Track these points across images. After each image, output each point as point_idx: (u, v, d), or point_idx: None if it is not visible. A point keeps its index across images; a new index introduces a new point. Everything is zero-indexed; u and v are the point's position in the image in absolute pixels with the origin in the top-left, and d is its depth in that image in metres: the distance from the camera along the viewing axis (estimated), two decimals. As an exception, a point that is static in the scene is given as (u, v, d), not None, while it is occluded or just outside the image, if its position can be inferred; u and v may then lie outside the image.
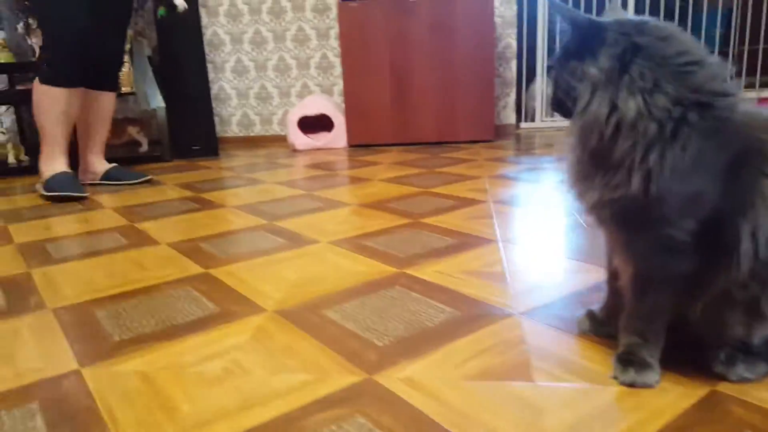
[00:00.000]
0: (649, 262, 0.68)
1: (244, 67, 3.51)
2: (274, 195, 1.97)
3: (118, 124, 3.16)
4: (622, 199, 0.66)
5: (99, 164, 2.33)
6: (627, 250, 0.71)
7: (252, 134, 3.60)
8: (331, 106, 3.12)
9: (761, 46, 3.48)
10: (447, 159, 2.54)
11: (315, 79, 3.46)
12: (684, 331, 0.73)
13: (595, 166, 0.69)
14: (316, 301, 1.02)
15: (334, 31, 3.37)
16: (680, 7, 3.50)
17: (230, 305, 1.02)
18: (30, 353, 0.87)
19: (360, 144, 3.14)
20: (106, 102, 2.29)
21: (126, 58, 2.96)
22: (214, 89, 3.48)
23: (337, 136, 3.12)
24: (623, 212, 0.67)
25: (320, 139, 3.16)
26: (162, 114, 2.90)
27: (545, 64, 3.33)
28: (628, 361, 0.72)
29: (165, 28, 2.94)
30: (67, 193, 2.01)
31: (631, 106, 0.63)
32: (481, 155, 2.59)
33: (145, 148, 3.10)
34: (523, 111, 3.56)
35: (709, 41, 3.63)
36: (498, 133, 3.15)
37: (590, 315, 0.85)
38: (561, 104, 0.72)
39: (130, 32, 2.94)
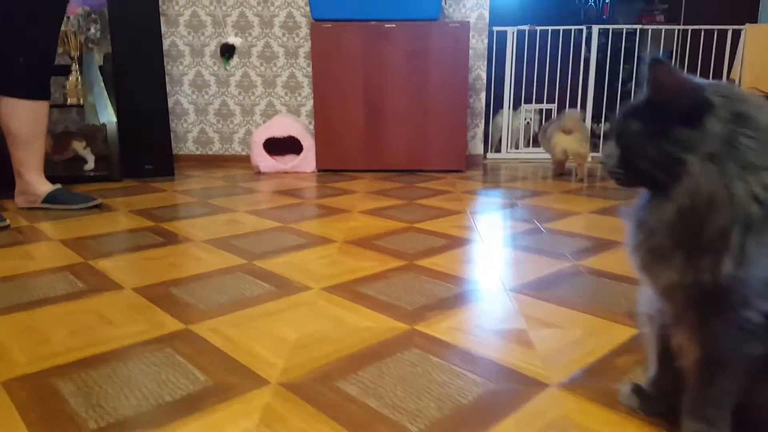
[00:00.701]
0: (721, 345, 0.62)
1: (204, 81, 3.32)
2: (246, 227, 1.81)
3: (60, 138, 2.89)
4: (703, 283, 0.59)
5: (39, 184, 2.06)
6: (698, 332, 0.64)
7: (210, 153, 3.40)
8: (299, 127, 2.98)
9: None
10: (423, 190, 2.46)
11: (282, 98, 3.32)
12: (746, 413, 0.66)
13: (677, 246, 0.60)
14: (326, 369, 0.88)
15: (303, 50, 3.24)
16: (626, 48, 3.63)
17: (225, 376, 0.87)
18: (-23, 447, 0.69)
19: (329, 169, 3.01)
20: (36, 112, 1.98)
21: (74, 66, 2.73)
22: (170, 103, 3.26)
23: (306, 160, 2.98)
24: (701, 294, 0.60)
25: (287, 162, 3.00)
26: (113, 129, 2.67)
27: (511, 96, 3.33)
28: None
29: (119, 35, 2.72)
30: None
31: (738, 183, 0.56)
32: (456, 187, 2.52)
33: (91, 165, 2.84)
34: (490, 142, 3.55)
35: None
36: (467, 163, 3.11)
37: (638, 390, 0.77)
38: (640, 174, 0.62)
39: (80, 38, 2.70)
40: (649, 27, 3.41)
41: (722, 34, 3.23)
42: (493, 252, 1.51)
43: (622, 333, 1.00)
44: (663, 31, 3.47)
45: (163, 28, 3.20)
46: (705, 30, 3.23)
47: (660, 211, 0.61)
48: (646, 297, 0.80)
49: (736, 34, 3.16)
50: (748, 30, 3.05)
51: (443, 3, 3.01)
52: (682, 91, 0.58)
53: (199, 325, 1.05)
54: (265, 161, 2.95)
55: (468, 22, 2.80)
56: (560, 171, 2.84)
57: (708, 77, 3.10)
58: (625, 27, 3.35)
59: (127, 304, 1.16)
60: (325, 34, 2.85)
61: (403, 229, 1.76)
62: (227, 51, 2.12)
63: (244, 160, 3.33)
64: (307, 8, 3.17)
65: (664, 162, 0.59)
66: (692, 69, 3.30)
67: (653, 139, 0.59)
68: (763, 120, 0.57)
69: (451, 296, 1.20)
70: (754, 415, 0.66)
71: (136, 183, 2.67)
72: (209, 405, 0.78)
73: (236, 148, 3.39)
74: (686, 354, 0.67)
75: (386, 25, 2.82)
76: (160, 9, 3.06)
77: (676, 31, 3.38)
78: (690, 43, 3.36)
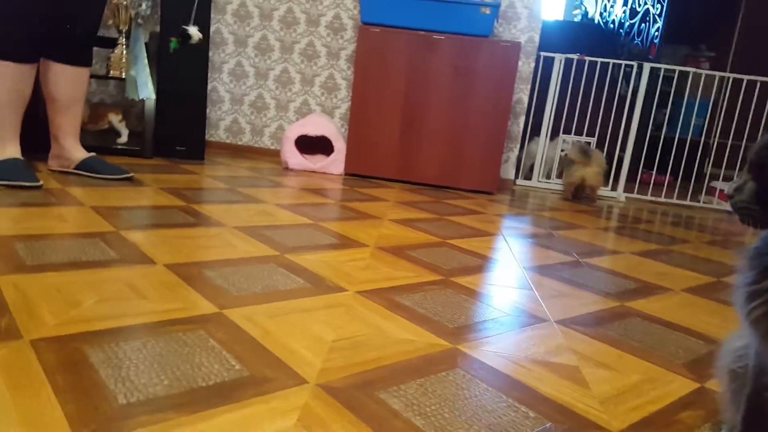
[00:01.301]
0: None
1: (244, 71, 3.30)
2: (277, 219, 1.76)
3: (96, 109, 2.88)
4: None
5: (75, 150, 2.04)
6: None
7: (240, 143, 3.37)
8: (333, 128, 2.94)
9: (734, 141, 3.57)
10: (454, 207, 2.40)
11: (318, 98, 3.29)
12: None
13: None
14: (367, 377, 0.83)
15: (345, 53, 3.22)
16: (663, 92, 3.58)
17: (261, 368, 0.81)
18: (6, 414, 0.64)
19: (357, 174, 2.97)
20: (77, 78, 1.99)
21: (121, 39, 2.71)
22: (207, 89, 3.24)
23: (335, 162, 2.94)
24: None
25: (316, 162, 2.96)
26: (150, 106, 2.65)
27: (551, 124, 3.28)
28: None
29: (168, 15, 2.71)
30: (18, 182, 1.73)
31: None
32: (487, 209, 2.46)
33: (124, 139, 2.81)
34: (521, 168, 3.49)
35: (689, 128, 3.73)
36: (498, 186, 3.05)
37: None
38: None
39: (131, 12, 2.70)
40: (702, 72, 3.35)
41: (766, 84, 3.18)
42: (532, 279, 1.45)
43: (683, 385, 0.94)
44: (702, 77, 3.42)
45: (211, 14, 3.19)
46: (752, 80, 3.17)
47: None
48: (732, 348, 0.73)
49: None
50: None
51: (495, 21, 2.98)
52: None
53: (233, 311, 1.00)
54: (294, 158, 2.91)
55: (519, 43, 2.76)
56: (573, 195, 3.13)
57: (753, 132, 3.02)
58: (678, 68, 3.30)
59: (159, 280, 1.10)
60: (372, 38, 2.83)
61: (437, 244, 1.70)
62: (181, 37, 2.06)
63: (272, 154, 3.29)
64: (355, 11, 3.16)
65: None
66: (737, 121, 3.23)
67: None
68: None
69: (493, 319, 1.14)
70: None
71: (166, 162, 2.64)
72: (245, 397, 0.73)
73: (266, 142, 3.36)
74: None
75: (435, 36, 2.79)
76: (211, -7, 3.06)
77: (717, 78, 3.33)
78: (734, 93, 3.31)
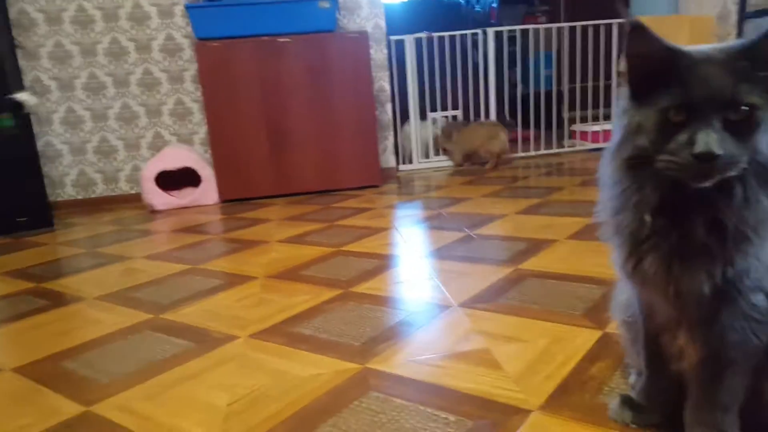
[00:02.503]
0: (728, 339, 0.56)
1: (78, 117, 2.97)
2: (147, 275, 1.58)
3: None
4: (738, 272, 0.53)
5: None
6: (701, 329, 0.57)
7: (93, 196, 3.04)
8: (194, 157, 2.74)
9: (582, 84, 3.85)
10: (342, 210, 2.33)
11: (170, 127, 3.04)
12: (750, 414, 0.60)
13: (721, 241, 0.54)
14: (273, 438, 0.73)
15: (189, 74, 3.01)
16: (511, 52, 3.76)
17: (144, 469, 0.68)
18: None
19: (234, 199, 2.79)
20: None
21: None
22: (40, 144, 2.89)
23: (206, 192, 2.74)
24: (721, 286, 0.54)
25: (185, 197, 2.74)
26: (-28, 180, 2.29)
27: (417, 106, 3.31)
28: None
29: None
30: None
31: None
32: (375, 203, 2.42)
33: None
34: (401, 154, 3.49)
35: (541, 81, 3.95)
36: (381, 177, 3.02)
37: (628, 402, 0.69)
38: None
39: None
40: (540, 26, 3.53)
41: (606, 28, 3.42)
42: (430, 267, 1.41)
43: (587, 338, 0.93)
44: (542, 31, 3.62)
45: (22, 62, 2.83)
46: (585, 26, 3.40)
47: (750, 202, 0.50)
48: (621, 302, 0.72)
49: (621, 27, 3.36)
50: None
51: (338, 14, 2.92)
52: None
53: (103, 405, 0.85)
54: (159, 197, 2.68)
55: (366, 32, 2.72)
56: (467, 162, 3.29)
57: (596, 72, 3.22)
58: (517, 27, 3.44)
59: (5, 390, 0.92)
60: (212, 53, 2.65)
61: (331, 255, 1.62)
62: (13, 109, 1.82)
63: (134, 200, 3.01)
64: (188, 28, 2.95)
65: None
66: (580, 65, 3.44)
67: None
68: None
69: (399, 322, 1.07)
70: (759, 414, 0.60)
71: (8, 240, 2.30)
72: None
73: (123, 187, 3.07)
74: (687, 357, 0.60)
75: (280, 40, 2.67)
76: (15, 41, 2.72)
77: (554, 30, 3.53)
78: (571, 40, 3.52)
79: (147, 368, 0.97)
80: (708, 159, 0.47)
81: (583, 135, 3.57)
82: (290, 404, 0.81)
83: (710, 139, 0.47)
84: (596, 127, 3.47)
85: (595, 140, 3.45)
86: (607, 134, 3.40)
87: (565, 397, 0.76)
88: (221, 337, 1.07)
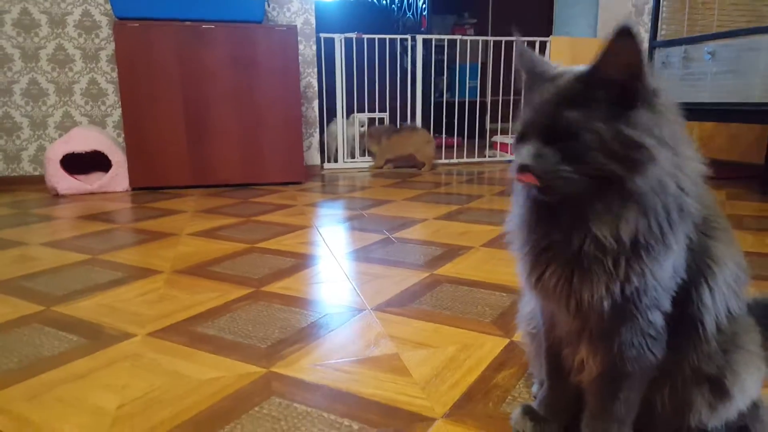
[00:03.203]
0: (626, 354, 0.58)
1: (-23, 89, 2.72)
2: (43, 263, 1.46)
3: None
4: (634, 288, 0.54)
5: None
6: (602, 341, 0.59)
7: (-11, 175, 2.79)
8: (105, 140, 2.57)
9: (504, 96, 3.99)
10: (261, 205, 2.27)
11: (81, 107, 2.85)
12: (643, 421, 0.64)
13: (616, 252, 0.53)
14: (163, 445, 0.69)
15: (105, 53, 2.83)
16: (439, 61, 3.86)
17: (13, 479, 0.62)
18: None
19: (146, 187, 2.65)
20: None
21: None
22: (-71, 116, 2.61)
23: (116, 178, 2.58)
24: (619, 303, 0.55)
25: (93, 182, 2.57)
26: None
27: (344, 105, 3.29)
28: None
29: None
30: None
31: (682, 176, 0.52)
32: (297, 200, 2.38)
33: None
34: (326, 152, 3.46)
35: (466, 91, 4.08)
36: (305, 174, 2.98)
37: (529, 413, 0.71)
38: (589, 172, 0.50)
39: None
40: (468, 38, 3.62)
41: (530, 45, 3.55)
42: (347, 268, 1.40)
43: (494, 345, 0.96)
44: (468, 42, 3.71)
45: None
46: (510, 41, 3.53)
47: (613, 216, 0.52)
48: (526, 314, 0.74)
49: (542, 45, 3.51)
50: (552, 42, 3.38)
51: (267, 5, 2.85)
52: (642, 72, 0.49)
53: (-27, 409, 0.77)
54: (64, 181, 2.50)
55: (295, 27, 2.68)
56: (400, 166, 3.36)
57: (519, 86, 3.36)
58: (447, 37, 3.51)
59: None
60: (131, 34, 2.51)
61: (244, 251, 1.57)
62: None
63: (37, 182, 2.79)
64: (108, 5, 2.78)
65: (625, 151, 0.49)
66: (503, 79, 3.57)
67: (610, 125, 0.49)
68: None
69: (310, 324, 1.06)
70: (651, 425, 0.64)
71: None
72: None
73: (26, 168, 2.84)
74: (587, 369, 0.62)
75: (204, 26, 2.57)
76: None
77: (481, 42, 3.64)
78: (497, 54, 3.65)
79: (31, 365, 0.89)
80: (522, 170, 0.52)
81: (504, 146, 3.70)
82: (186, 409, 0.77)
83: (525, 153, 0.52)
84: (517, 140, 3.60)
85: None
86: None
87: (469, 405, 0.77)
88: (116, 335, 1.01)
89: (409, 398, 0.79)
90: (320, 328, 1.04)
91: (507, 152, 3.65)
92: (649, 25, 2.72)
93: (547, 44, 3.37)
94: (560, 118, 0.51)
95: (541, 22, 4.24)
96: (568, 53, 3.34)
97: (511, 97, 4.00)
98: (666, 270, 0.54)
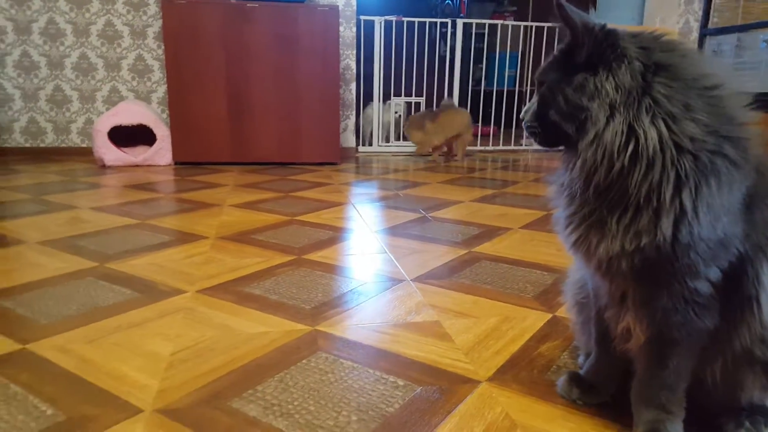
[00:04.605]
0: (671, 321, 0.58)
1: (33, 62, 2.82)
2: (93, 225, 1.53)
3: None
4: (646, 248, 0.54)
5: None
6: (645, 307, 0.59)
7: (42, 145, 2.90)
8: (151, 115, 2.65)
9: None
10: (298, 182, 2.31)
11: (128, 83, 2.93)
12: (693, 396, 0.63)
13: (609, 209, 0.56)
14: (216, 388, 0.72)
15: (153, 30, 2.90)
16: (477, 49, 3.82)
17: (81, 406, 0.66)
18: None
19: (188, 162, 2.72)
20: None
21: None
22: (-15, 86, 2.73)
23: (160, 152, 2.66)
24: (645, 263, 0.55)
25: (138, 155, 2.66)
26: None
27: (381, 89, 3.31)
28: None
29: None
30: None
31: (653, 134, 0.52)
32: (333, 179, 2.41)
33: None
34: (361, 135, 3.49)
35: (505, 80, 4.03)
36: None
37: (576, 380, 0.72)
38: (551, 128, 0.58)
39: None
40: (509, 23, 3.58)
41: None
42: (385, 242, 1.43)
43: (537, 319, 0.97)
44: (510, 30, 3.67)
45: (-27, -5, 2.66)
46: (551, 27, 3.47)
47: (571, 170, 0.57)
48: (573, 282, 0.75)
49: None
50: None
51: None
52: (584, 36, 0.54)
53: (41, 344, 0.82)
54: (110, 153, 2.58)
55: (337, 7, 2.70)
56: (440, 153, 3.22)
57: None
58: (487, 21, 3.49)
59: (-71, 327, 0.87)
60: (179, 11, 2.57)
61: (285, 223, 1.60)
62: None
63: (84, 153, 2.89)
64: (157, -17, 2.85)
65: (568, 113, 0.55)
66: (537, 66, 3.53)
67: (561, 89, 0.56)
68: (684, 71, 0.53)
69: (351, 291, 1.08)
70: (703, 395, 0.63)
71: (-60, 179, 2.17)
72: (61, 451, 0.59)
73: (75, 140, 2.94)
74: (633, 337, 0.62)
75: (249, 5, 2.61)
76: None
77: (522, 29, 3.59)
78: (537, 43, 3.60)
79: (88, 313, 0.94)
80: (522, 120, 0.62)
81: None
82: (237, 358, 0.80)
83: (525, 108, 0.62)
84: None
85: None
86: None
87: (513, 371, 0.79)
88: (168, 290, 1.05)
89: (452, 361, 0.81)
90: (361, 294, 1.06)
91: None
92: (700, 13, 2.65)
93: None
94: (542, 77, 0.59)
95: (583, 11, 4.14)
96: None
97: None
98: (694, 234, 0.53)
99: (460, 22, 3.35)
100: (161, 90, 2.96)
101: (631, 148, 0.52)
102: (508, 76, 4.37)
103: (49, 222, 1.54)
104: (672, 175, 0.52)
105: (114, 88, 2.92)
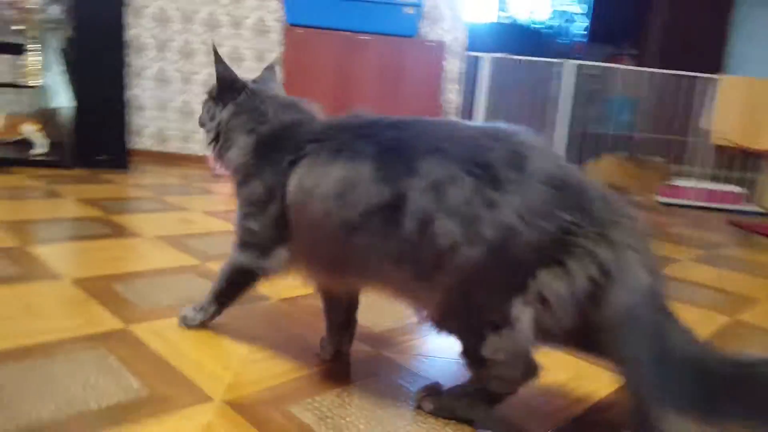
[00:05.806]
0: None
1: (168, 77, 3.18)
2: (202, 227, 1.70)
3: (10, 119, 2.69)
4: None
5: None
6: None
7: (167, 150, 3.25)
8: (263, 133, 2.87)
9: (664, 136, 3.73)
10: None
11: (247, 101, 3.21)
12: None
13: None
14: (280, 390, 0.79)
15: (272, 56, 3.16)
16: (593, 91, 3.70)
17: (161, 386, 0.76)
18: None
19: (290, 177, 2.91)
20: None
21: (32, 45, 2.55)
22: (129, 95, 3.11)
23: (267, 166, 2.87)
24: None
25: (247, 167, 2.88)
26: (67, 114, 2.50)
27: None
28: None
29: (82, 20, 2.57)
30: None
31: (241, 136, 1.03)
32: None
33: (39, 150, 2.64)
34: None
35: (620, 125, 3.88)
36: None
37: None
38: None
39: (38, 17, 2.54)
40: (625, 67, 3.49)
41: (690, 81, 3.33)
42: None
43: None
44: (628, 73, 3.56)
45: (129, 19, 3.06)
46: (673, 75, 3.32)
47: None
48: None
49: (704, 81, 3.28)
50: (722, 81, 3.13)
51: (420, 21, 3.00)
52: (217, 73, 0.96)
53: (141, 326, 0.94)
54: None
55: (443, 43, 2.79)
56: None
57: (678, 123, 3.09)
58: (602, 64, 3.42)
59: (63, 296, 1.04)
60: (298, 39, 2.79)
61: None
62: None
63: (203, 162, 3.19)
64: (279, 13, 3.11)
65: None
66: (662, 113, 3.34)
67: (210, 107, 1.03)
68: (278, 95, 1.03)
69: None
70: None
71: (86, 172, 2.50)
72: (138, 418, 0.68)
73: (195, 148, 3.25)
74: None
75: (360, 37, 2.78)
76: (126, -2, 2.94)
77: (645, 74, 3.47)
78: (659, 89, 3.46)
79: (184, 305, 1.06)
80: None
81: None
82: (305, 366, 0.87)
83: None
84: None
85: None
86: (677, 190, 3.26)
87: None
88: (255, 295, 1.15)
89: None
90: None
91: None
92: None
93: (717, 83, 3.13)
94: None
95: (712, 58, 3.93)
96: (742, 95, 3.04)
97: (669, 137, 3.76)
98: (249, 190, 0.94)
99: (571, 64, 3.32)
100: (275, 109, 3.20)
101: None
102: (622, 121, 4.20)
103: (163, 219, 1.74)
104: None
105: (235, 104, 3.21)
